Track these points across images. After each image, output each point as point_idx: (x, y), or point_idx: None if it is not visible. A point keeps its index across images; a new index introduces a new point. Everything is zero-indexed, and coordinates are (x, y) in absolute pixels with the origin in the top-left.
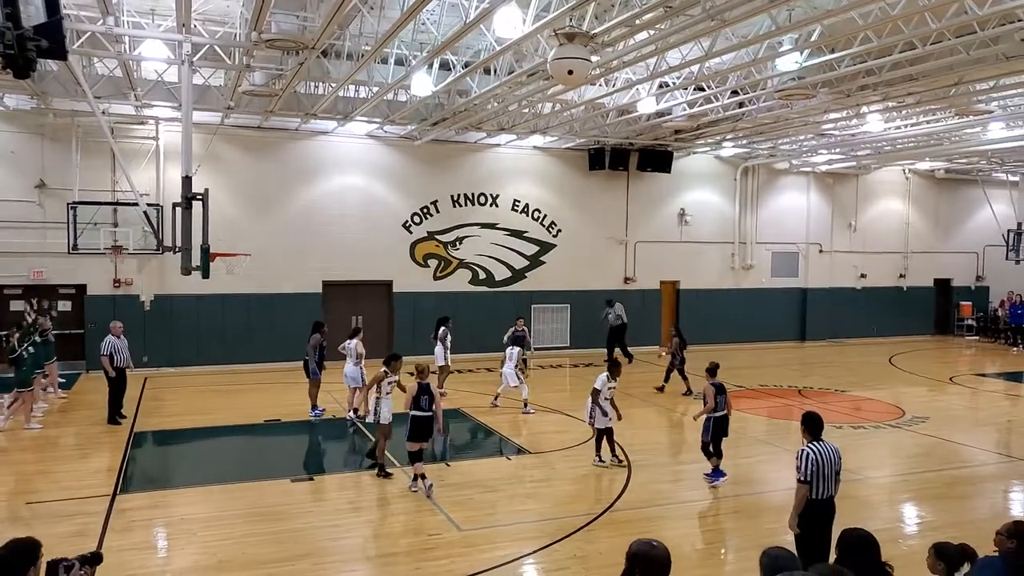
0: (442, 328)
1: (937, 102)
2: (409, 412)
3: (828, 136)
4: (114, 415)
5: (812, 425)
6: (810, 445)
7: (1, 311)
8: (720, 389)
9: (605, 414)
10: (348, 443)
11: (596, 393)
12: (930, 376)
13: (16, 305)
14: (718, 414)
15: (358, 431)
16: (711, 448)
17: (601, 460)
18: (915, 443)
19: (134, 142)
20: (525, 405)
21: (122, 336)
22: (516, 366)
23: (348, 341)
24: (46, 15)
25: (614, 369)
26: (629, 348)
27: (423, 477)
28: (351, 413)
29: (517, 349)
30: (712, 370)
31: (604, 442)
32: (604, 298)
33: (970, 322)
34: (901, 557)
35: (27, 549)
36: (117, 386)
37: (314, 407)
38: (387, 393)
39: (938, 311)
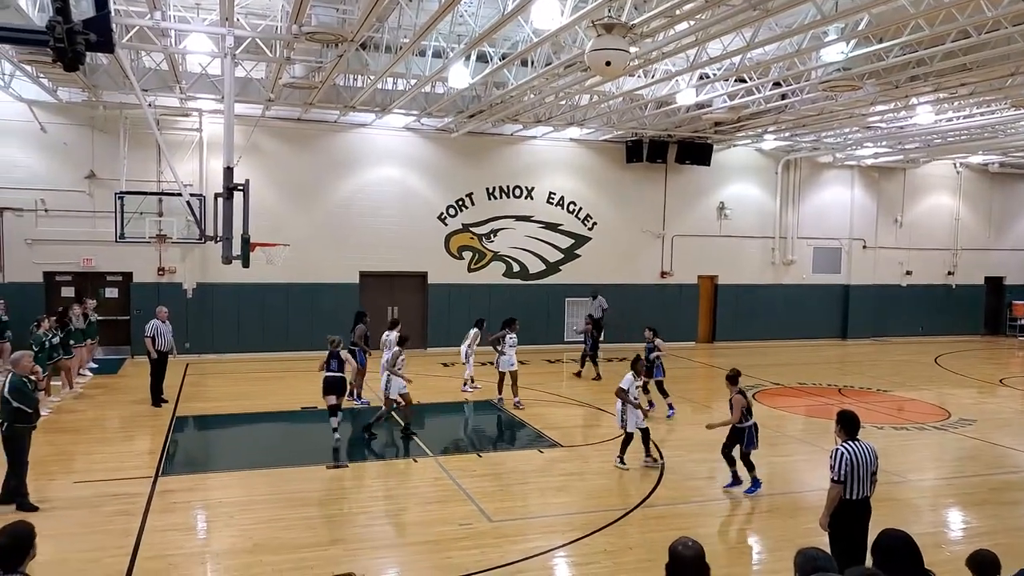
0: (507, 332)
1: (991, 93)
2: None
3: (874, 129)
4: (158, 398)
5: (848, 423)
6: (845, 444)
7: (52, 298)
8: (745, 397)
9: (636, 416)
10: (382, 432)
11: (624, 393)
12: (978, 377)
13: (67, 291)
14: (748, 423)
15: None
16: (742, 459)
17: (623, 463)
18: (961, 446)
19: (178, 134)
20: (465, 383)
21: (167, 321)
22: (470, 345)
23: (388, 332)
24: (95, 10)
25: (638, 365)
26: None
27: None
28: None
29: (473, 331)
30: (733, 377)
31: (632, 443)
32: (591, 291)
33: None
34: (944, 563)
35: (25, 535)
36: (158, 369)
37: (359, 396)
38: (399, 370)
39: (989, 310)
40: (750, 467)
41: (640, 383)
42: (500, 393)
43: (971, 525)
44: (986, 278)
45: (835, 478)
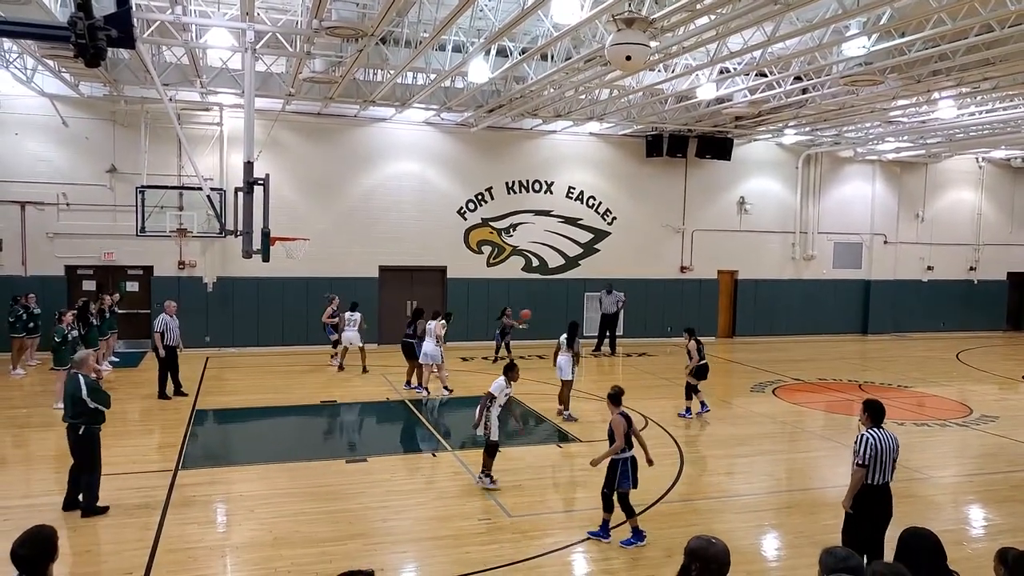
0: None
1: (1015, 87)
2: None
3: (896, 123)
4: (163, 391)
5: (875, 412)
6: (871, 431)
7: (74, 291)
8: (629, 421)
9: (498, 425)
10: (403, 426)
11: (491, 400)
12: (1000, 373)
13: (88, 285)
14: (626, 455)
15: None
16: (619, 500)
17: (493, 481)
18: (982, 443)
19: (199, 128)
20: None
21: (175, 316)
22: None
23: (429, 322)
24: (116, 5)
25: (511, 372)
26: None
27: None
28: (423, 390)
29: (433, 323)
30: (615, 396)
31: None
32: (605, 285)
33: None
34: (965, 560)
35: (46, 541)
36: (166, 364)
37: (420, 385)
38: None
39: (1011, 306)
40: (628, 512)
41: (510, 390)
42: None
43: (993, 522)
44: (1008, 273)
45: (859, 462)
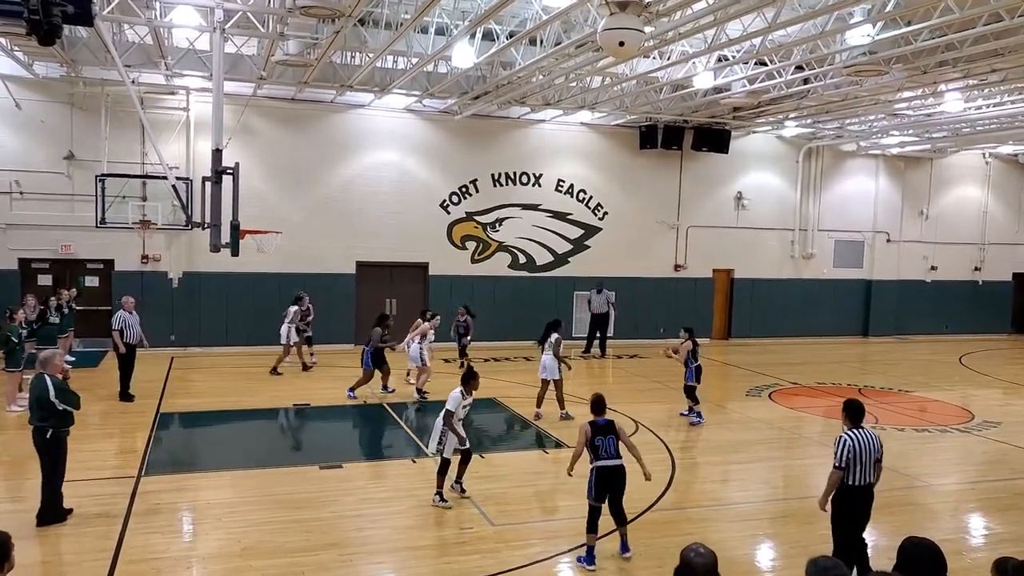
0: (554, 335)
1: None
2: None
3: (901, 116)
4: (126, 393)
5: (853, 412)
6: (849, 432)
7: (28, 286)
8: (606, 428)
9: (459, 440)
10: (381, 430)
11: (449, 416)
12: (1004, 378)
13: (44, 279)
14: (602, 463)
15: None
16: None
17: (444, 499)
18: (984, 449)
19: (164, 113)
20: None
21: (134, 312)
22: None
23: (418, 321)
24: None
25: (471, 381)
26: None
27: None
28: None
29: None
30: (593, 404)
31: (448, 473)
32: (595, 284)
33: None
34: (965, 571)
35: (1, 545)
36: (127, 362)
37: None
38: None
39: (1017, 308)
40: (589, 525)
41: (468, 402)
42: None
43: (994, 531)
44: (1014, 274)
45: (837, 464)
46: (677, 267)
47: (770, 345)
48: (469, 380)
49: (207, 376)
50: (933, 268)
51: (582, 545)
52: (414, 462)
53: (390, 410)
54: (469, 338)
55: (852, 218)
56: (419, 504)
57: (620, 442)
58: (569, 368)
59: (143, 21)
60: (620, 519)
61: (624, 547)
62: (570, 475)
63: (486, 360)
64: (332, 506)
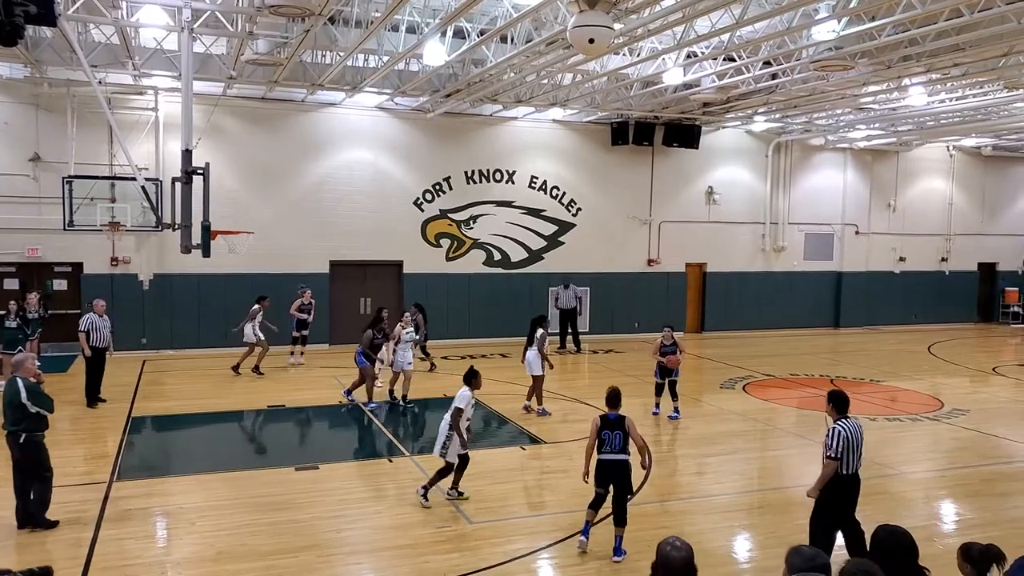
0: (539, 331)
1: (985, 74)
2: None
3: (867, 110)
4: (94, 398)
5: (840, 403)
6: (840, 423)
7: None
8: (615, 423)
9: (461, 443)
10: (357, 430)
11: (458, 415)
12: (971, 366)
13: (11, 283)
14: (604, 456)
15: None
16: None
17: (427, 499)
18: (954, 437)
19: (132, 113)
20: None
21: (104, 315)
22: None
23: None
24: None
25: (475, 380)
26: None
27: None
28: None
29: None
30: (612, 398)
31: (451, 474)
32: (562, 279)
33: (1016, 309)
34: (936, 556)
35: None
36: (94, 367)
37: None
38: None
39: (982, 297)
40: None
41: (474, 401)
42: (529, 401)
43: (964, 517)
44: (979, 264)
45: (832, 455)
46: (650, 262)
47: (743, 338)
48: (473, 379)
49: (179, 379)
50: (901, 259)
51: (563, 540)
52: (390, 462)
53: (366, 410)
54: (419, 337)
55: (821, 211)
56: (397, 504)
57: (630, 438)
58: (551, 367)
59: (109, 21)
60: (618, 518)
61: (617, 550)
62: (586, 481)
63: (462, 358)
64: (309, 508)
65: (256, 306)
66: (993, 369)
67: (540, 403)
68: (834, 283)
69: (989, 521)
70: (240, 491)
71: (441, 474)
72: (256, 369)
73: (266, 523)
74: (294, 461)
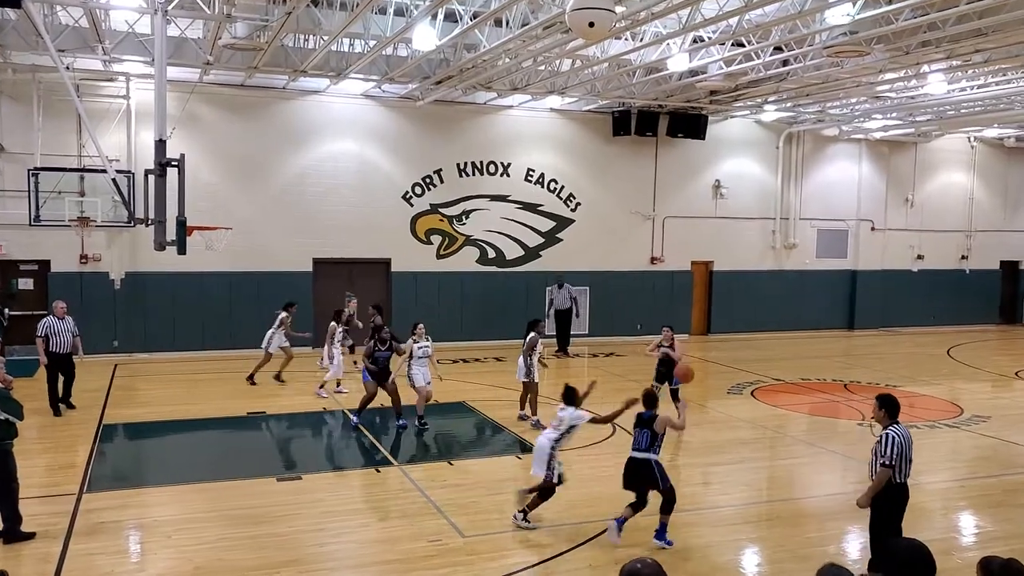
0: (531, 335)
1: (1009, 60)
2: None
3: (883, 99)
4: (56, 406)
5: (891, 406)
6: (893, 428)
7: None
8: (647, 421)
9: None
10: (343, 439)
11: (571, 432)
12: (993, 370)
13: None
14: (631, 454)
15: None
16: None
17: (528, 521)
18: (974, 445)
19: (102, 101)
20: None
21: (65, 317)
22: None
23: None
24: None
25: (579, 396)
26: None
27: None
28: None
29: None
30: (648, 398)
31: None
32: (554, 278)
33: None
34: (954, 571)
35: None
36: (54, 374)
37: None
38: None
39: (1004, 297)
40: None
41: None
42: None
43: (984, 529)
44: (1001, 262)
45: (886, 462)
46: (654, 260)
47: (752, 340)
48: (573, 394)
49: (153, 384)
50: (919, 257)
51: (559, 555)
52: (378, 472)
53: (352, 417)
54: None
55: (835, 206)
56: (384, 517)
57: (661, 434)
58: (545, 365)
59: (78, 2)
60: (662, 506)
61: (659, 534)
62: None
63: (454, 361)
64: (291, 520)
65: (284, 313)
66: (1016, 373)
67: (534, 412)
68: (848, 282)
69: (1011, 534)
70: (218, 503)
71: (543, 496)
72: (278, 377)
73: (246, 537)
74: (276, 471)
